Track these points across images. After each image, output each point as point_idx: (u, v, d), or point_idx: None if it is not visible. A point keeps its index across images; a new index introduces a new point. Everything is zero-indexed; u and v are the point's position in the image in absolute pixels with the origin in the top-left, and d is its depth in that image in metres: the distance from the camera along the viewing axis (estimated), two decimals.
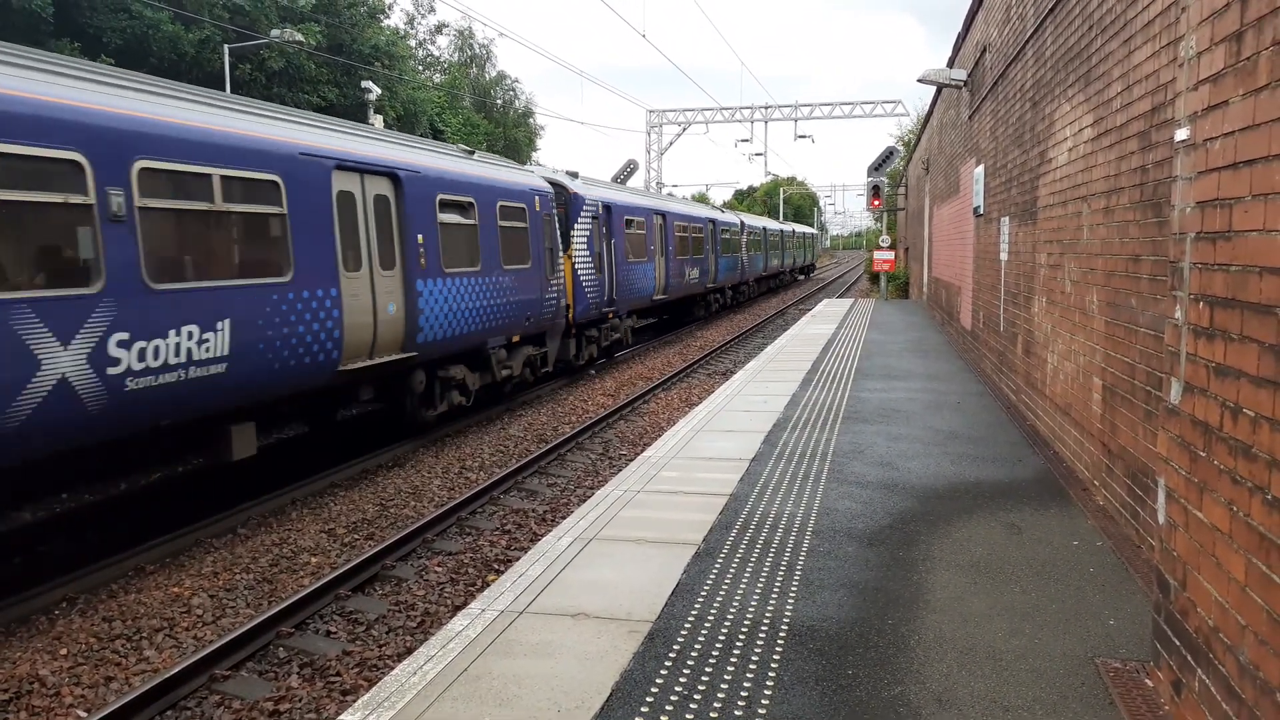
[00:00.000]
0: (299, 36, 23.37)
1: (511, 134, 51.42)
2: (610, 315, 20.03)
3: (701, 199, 72.14)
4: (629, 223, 21.46)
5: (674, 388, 17.92)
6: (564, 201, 17.68)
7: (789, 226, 57.16)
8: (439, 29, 52.65)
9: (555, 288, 16.46)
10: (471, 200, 13.42)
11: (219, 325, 8.49)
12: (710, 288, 30.85)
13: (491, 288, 13.86)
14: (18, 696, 5.93)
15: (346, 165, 10.58)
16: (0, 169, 6.61)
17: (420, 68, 45.21)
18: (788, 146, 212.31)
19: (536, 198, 15.78)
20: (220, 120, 8.86)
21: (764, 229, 43.67)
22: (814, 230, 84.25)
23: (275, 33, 23.14)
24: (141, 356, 7.67)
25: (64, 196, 7.06)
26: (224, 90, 22.34)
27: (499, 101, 53.30)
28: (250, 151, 9.03)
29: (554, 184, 17.36)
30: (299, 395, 10.25)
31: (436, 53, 52.43)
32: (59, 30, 20.56)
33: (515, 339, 14.94)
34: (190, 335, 8.16)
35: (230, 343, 8.62)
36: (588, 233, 18.49)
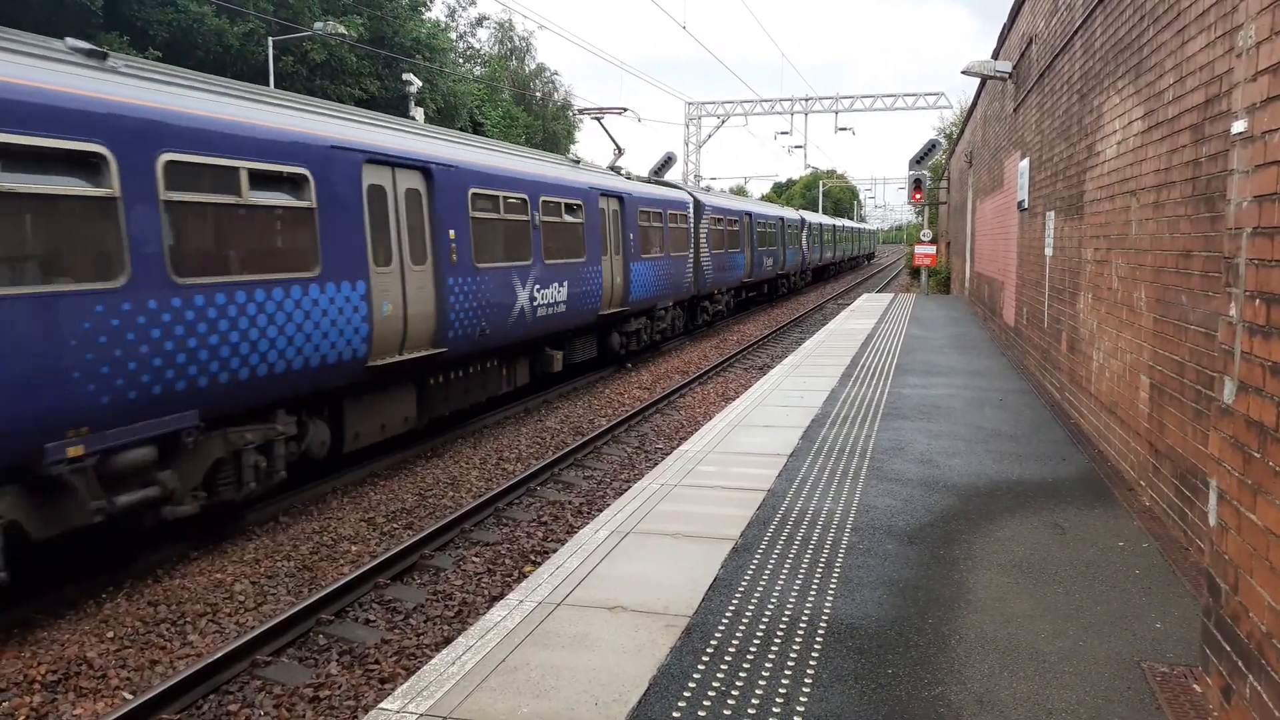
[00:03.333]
0: (341, 29, 23.59)
1: (550, 127, 51.54)
2: (715, 293, 26.17)
3: (740, 192, 72.86)
4: (731, 222, 27.59)
5: (710, 382, 17.87)
6: (697, 208, 23.98)
7: (841, 222, 65.48)
8: (479, 21, 52.96)
9: (690, 269, 23.01)
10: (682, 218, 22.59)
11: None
12: (780, 274, 36.63)
13: (673, 264, 21.19)
14: (66, 678, 6.07)
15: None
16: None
17: (460, 60, 45.43)
18: (828, 139, 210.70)
19: (689, 207, 23.10)
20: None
21: (821, 225, 49.53)
22: (872, 226, 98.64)
23: (318, 25, 23.37)
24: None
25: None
26: (268, 80, 22.60)
27: (538, 94, 53.43)
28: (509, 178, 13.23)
29: (694, 197, 24.00)
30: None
31: (477, 45, 52.69)
32: (108, 23, 20.91)
33: (671, 303, 21.50)
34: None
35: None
36: (707, 230, 24.56)
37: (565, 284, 14.76)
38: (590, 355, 17.33)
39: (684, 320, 23.22)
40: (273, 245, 8.73)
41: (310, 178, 9.09)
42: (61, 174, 6.63)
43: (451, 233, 11.54)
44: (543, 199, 14.06)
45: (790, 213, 40.48)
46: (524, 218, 13.60)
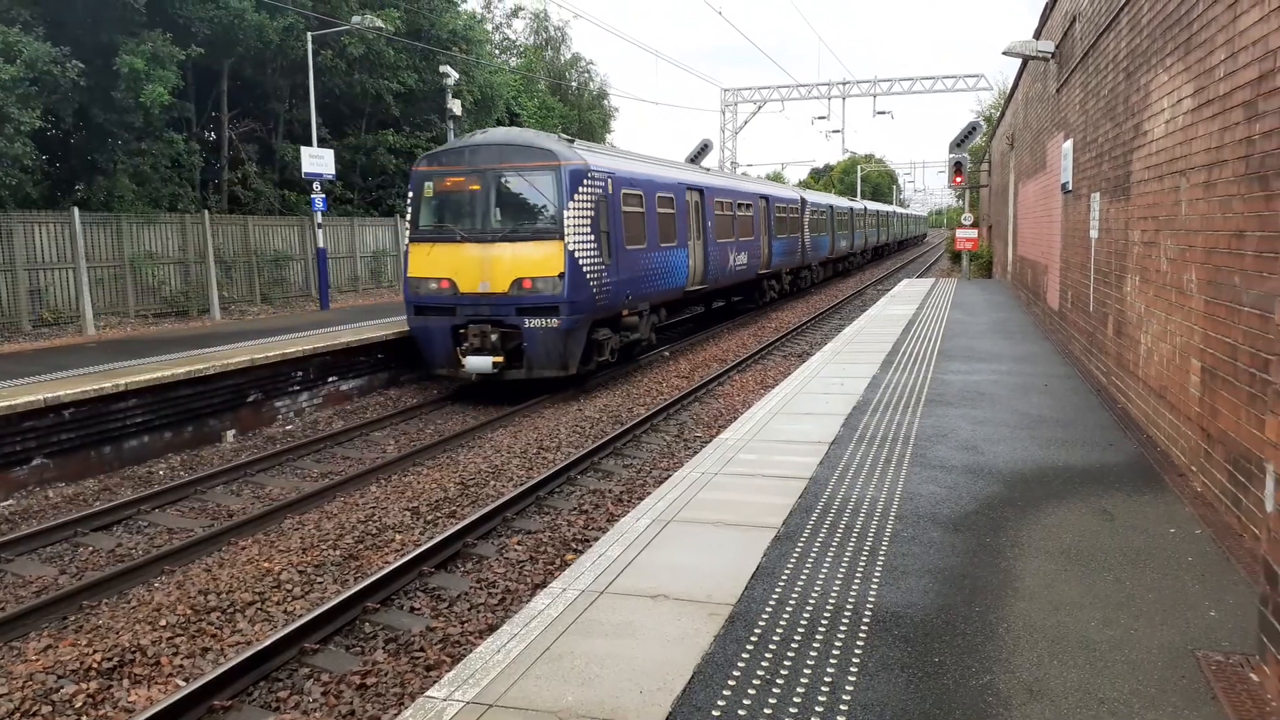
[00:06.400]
0: (379, 23, 23.68)
1: (586, 116, 51.48)
2: (814, 265, 35.65)
3: (776, 178, 72.90)
4: (821, 211, 36.98)
5: (749, 369, 17.80)
6: (803, 203, 33.27)
7: (896, 209, 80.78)
8: (515, 12, 52.87)
9: (800, 247, 32.59)
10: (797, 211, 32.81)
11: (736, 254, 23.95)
12: (850, 252, 44.77)
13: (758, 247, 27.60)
14: (120, 665, 6.20)
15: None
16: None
17: (496, 52, 45.52)
18: (866, 123, 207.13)
19: (799, 203, 32.80)
20: (709, 178, 23.61)
21: (879, 211, 59.57)
22: (921, 212, 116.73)
23: (356, 19, 23.50)
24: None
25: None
26: (307, 75, 22.80)
27: (574, 84, 53.38)
28: (742, 195, 25.15)
29: (801, 196, 33.56)
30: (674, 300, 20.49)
31: (512, 36, 52.74)
32: (150, 21, 21.19)
33: (787, 269, 31.19)
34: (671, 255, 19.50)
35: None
36: (809, 219, 34.03)
37: (745, 253, 24.60)
38: (750, 300, 27.88)
39: (790, 282, 32.46)
40: (664, 230, 18.46)
41: (674, 198, 19.12)
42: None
43: (709, 223, 21.51)
44: (739, 201, 24.57)
45: (859, 204, 51.18)
46: (730, 214, 23.50)
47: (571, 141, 16.11)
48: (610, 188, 15.72)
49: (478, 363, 14.38)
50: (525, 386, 15.14)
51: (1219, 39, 5.89)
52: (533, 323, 14.35)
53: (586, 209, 14.82)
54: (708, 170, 26.12)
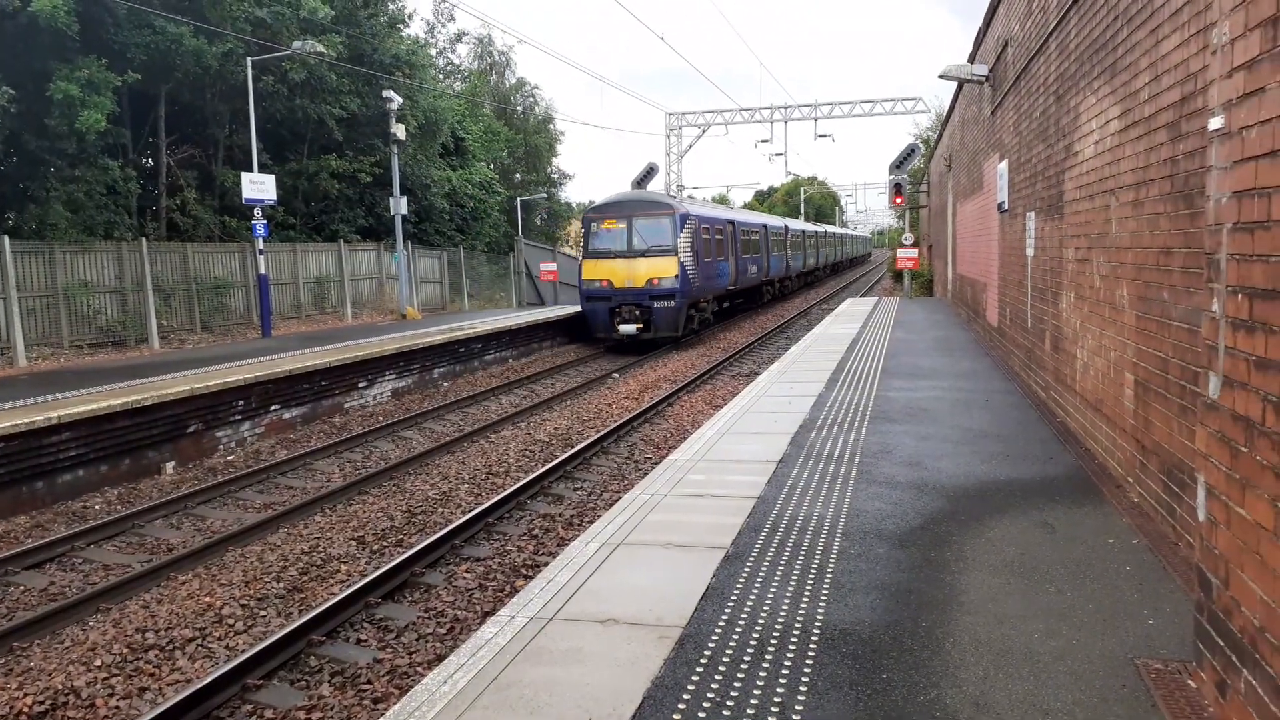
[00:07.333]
0: (320, 48, 23.50)
1: (533, 140, 51.53)
2: (785, 278, 42.28)
3: (722, 200, 73.59)
4: (797, 234, 46.32)
5: (698, 390, 17.86)
6: (785, 229, 42.57)
7: (843, 230, 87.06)
8: (459, 37, 53.13)
9: (785, 262, 41.27)
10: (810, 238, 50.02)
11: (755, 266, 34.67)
12: (800, 271, 48.99)
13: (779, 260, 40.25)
14: (53, 708, 5.99)
15: (752, 225, 34.62)
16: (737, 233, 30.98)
17: (441, 76, 45.40)
18: (808, 146, 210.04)
19: (784, 229, 42.01)
20: (740, 213, 36.22)
21: (828, 232, 67.40)
22: (865, 233, 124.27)
23: (297, 45, 23.27)
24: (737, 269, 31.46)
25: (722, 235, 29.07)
26: (247, 100, 22.54)
27: (519, 108, 53.43)
28: (753, 224, 35.14)
29: (785, 223, 43.57)
30: (729, 294, 31.03)
31: (457, 61, 52.70)
32: (85, 47, 20.79)
33: (779, 277, 40.33)
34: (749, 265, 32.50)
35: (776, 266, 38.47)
36: (782, 240, 41.13)
37: (755, 266, 34.11)
38: (752, 301, 35.96)
39: (780, 288, 41.41)
40: (719, 250, 27.80)
41: (723, 230, 28.38)
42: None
43: (738, 244, 30.28)
44: (752, 229, 33.88)
45: (808, 225, 57.36)
46: (747, 238, 32.43)
47: (676, 197, 31.25)
48: (696, 225, 25.34)
49: (627, 329, 24.12)
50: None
51: (1143, 63, 6.09)
52: (659, 305, 23.93)
53: (687, 237, 24.45)
54: (733, 208, 45.06)
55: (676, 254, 23.91)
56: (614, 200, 25.46)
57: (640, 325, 23.92)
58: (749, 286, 33.74)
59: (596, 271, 24.45)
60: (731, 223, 30.44)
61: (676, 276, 23.78)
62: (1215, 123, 3.47)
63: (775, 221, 41.98)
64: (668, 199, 26.40)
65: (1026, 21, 11.20)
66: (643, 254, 24.07)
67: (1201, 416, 3.67)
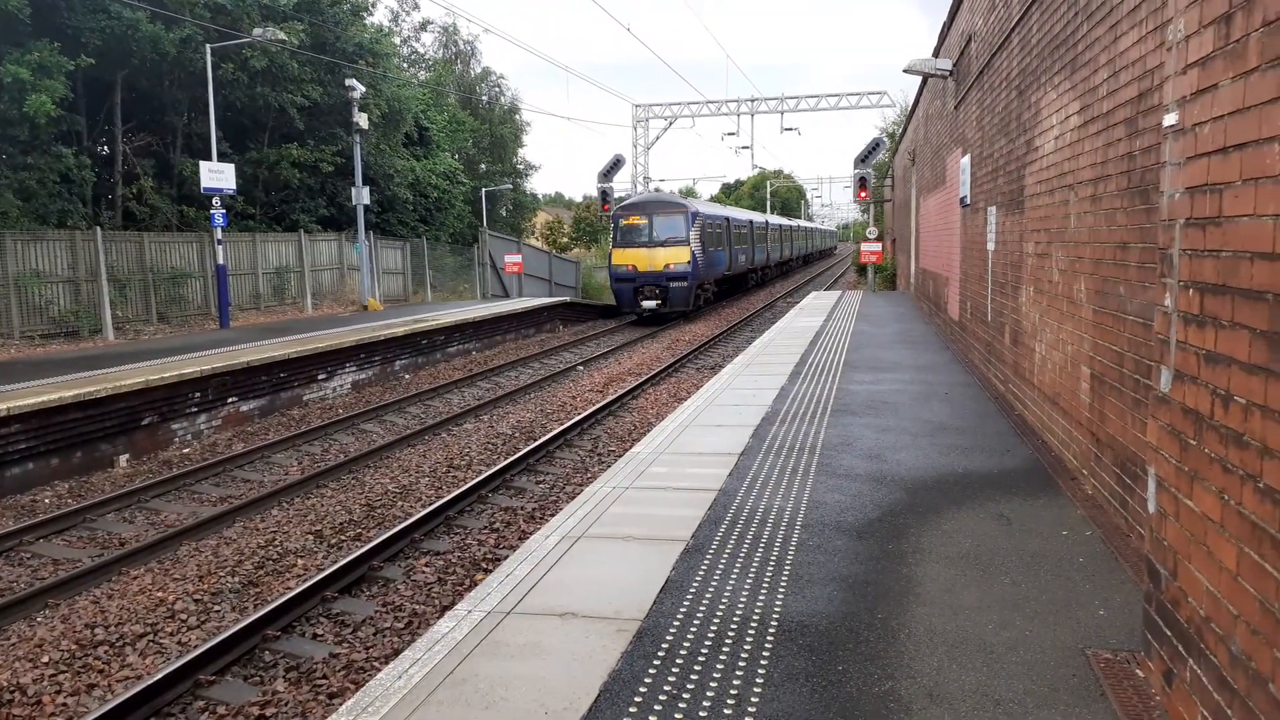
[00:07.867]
0: (282, 35, 23.13)
1: (498, 130, 51.17)
2: (763, 266, 47.32)
3: (689, 194, 73.64)
4: (775, 228, 52.30)
5: (663, 383, 17.86)
6: (765, 223, 49.28)
7: (810, 224, 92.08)
8: (423, 26, 52.36)
9: (766, 251, 47.78)
10: (772, 229, 52.52)
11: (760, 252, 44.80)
12: (779, 261, 54.32)
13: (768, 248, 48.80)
14: None
15: (738, 220, 40.31)
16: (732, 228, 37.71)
17: (405, 65, 44.94)
18: (774, 139, 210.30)
19: (764, 223, 48.81)
20: (732, 211, 42.16)
21: (799, 225, 72.16)
22: (832, 227, 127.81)
23: (257, 32, 22.86)
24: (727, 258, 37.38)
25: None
26: (206, 87, 22.17)
27: (484, 98, 53.03)
28: (743, 220, 41.72)
29: (766, 218, 51.53)
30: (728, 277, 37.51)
31: (421, 50, 52.18)
32: (36, 30, 20.31)
33: (761, 265, 46.74)
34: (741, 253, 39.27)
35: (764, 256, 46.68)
36: (765, 233, 47.50)
37: (744, 255, 39.19)
38: (741, 285, 41.81)
39: (761, 275, 47.23)
40: (718, 242, 34.06)
41: (723, 225, 35.14)
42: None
43: (732, 236, 36.67)
44: (741, 223, 40.17)
45: (785, 220, 63.42)
46: (738, 231, 38.21)
47: (686, 198, 37.48)
48: (702, 221, 31.12)
49: (648, 304, 29.80)
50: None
51: (1101, 59, 6.15)
52: (674, 285, 29.59)
53: (696, 231, 30.12)
54: (727, 205, 48.44)
55: (689, 244, 29.55)
56: (637, 201, 32.15)
57: (659, 301, 29.74)
58: (739, 272, 39.93)
59: (624, 258, 30.24)
60: (727, 219, 36.67)
61: (688, 262, 29.48)
62: (1170, 119, 3.50)
63: (759, 218, 48.62)
64: (681, 200, 33.36)
65: (990, 16, 11.28)
66: (661, 244, 29.67)
67: (1153, 410, 3.71)
